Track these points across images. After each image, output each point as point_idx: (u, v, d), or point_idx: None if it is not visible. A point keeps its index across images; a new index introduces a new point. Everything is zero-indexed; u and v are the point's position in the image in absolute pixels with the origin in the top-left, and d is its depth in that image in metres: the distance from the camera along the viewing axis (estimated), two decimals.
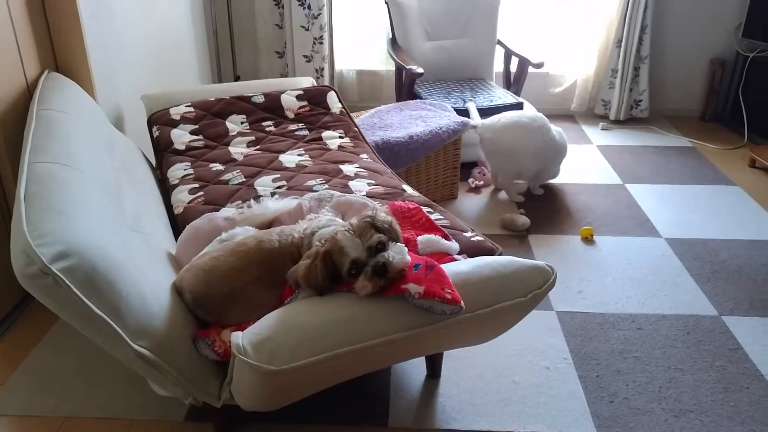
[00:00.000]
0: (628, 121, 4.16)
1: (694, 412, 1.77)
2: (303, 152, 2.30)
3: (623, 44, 3.94)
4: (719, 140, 3.86)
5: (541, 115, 2.97)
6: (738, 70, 3.97)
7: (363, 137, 2.49)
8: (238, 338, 1.23)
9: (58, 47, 2.25)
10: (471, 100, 3.38)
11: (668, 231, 2.76)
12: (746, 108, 3.88)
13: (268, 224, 1.72)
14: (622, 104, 4.07)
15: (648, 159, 3.57)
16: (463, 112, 3.18)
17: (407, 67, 3.29)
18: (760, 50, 3.79)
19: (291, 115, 2.53)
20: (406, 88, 3.45)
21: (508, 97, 3.41)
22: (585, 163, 3.50)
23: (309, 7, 3.86)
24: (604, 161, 3.54)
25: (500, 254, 1.71)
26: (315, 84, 2.78)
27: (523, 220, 2.76)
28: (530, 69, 3.59)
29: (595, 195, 3.11)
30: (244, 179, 2.09)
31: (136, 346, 1.25)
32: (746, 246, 2.64)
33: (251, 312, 1.38)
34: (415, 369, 1.92)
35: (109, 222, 1.45)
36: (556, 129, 3.01)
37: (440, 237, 1.65)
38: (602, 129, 4.04)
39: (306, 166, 2.19)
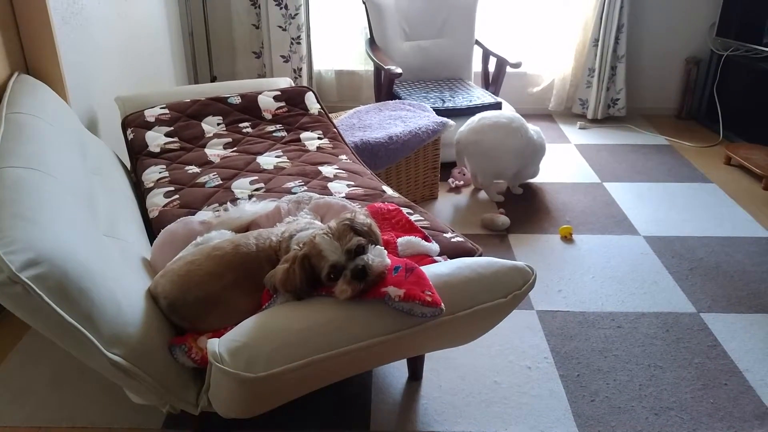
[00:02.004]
0: (606, 119, 4.19)
1: (675, 410, 1.78)
2: (281, 154, 2.27)
3: (600, 44, 3.97)
4: (695, 138, 3.91)
5: (518, 115, 2.98)
6: (712, 69, 4.02)
7: (342, 138, 2.48)
8: (215, 345, 1.20)
9: (29, 49, 2.19)
10: (450, 100, 3.38)
11: (646, 229, 2.78)
12: (721, 106, 3.94)
13: (246, 227, 1.70)
14: (599, 103, 4.11)
15: (625, 157, 3.60)
16: (443, 112, 3.18)
17: (386, 67, 3.28)
18: (733, 49, 3.84)
19: (268, 116, 2.51)
20: (385, 88, 3.44)
21: (487, 97, 3.41)
22: (563, 162, 3.52)
23: (286, 7, 3.83)
24: (582, 160, 3.56)
25: (480, 255, 1.70)
26: (293, 84, 2.76)
27: (503, 219, 2.76)
28: (508, 69, 3.60)
29: (573, 194, 3.13)
30: (221, 182, 2.06)
31: (110, 355, 1.22)
32: (723, 243, 2.67)
33: (228, 318, 1.36)
34: (396, 371, 1.91)
35: (82, 228, 1.42)
36: (534, 128, 3.02)
37: (420, 238, 1.64)
38: (580, 128, 4.07)
39: (284, 168, 2.16)
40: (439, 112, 3.17)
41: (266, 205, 1.78)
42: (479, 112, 3.05)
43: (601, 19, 3.91)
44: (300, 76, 4.00)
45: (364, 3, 3.61)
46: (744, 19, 3.74)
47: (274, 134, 2.41)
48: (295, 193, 1.94)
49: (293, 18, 3.85)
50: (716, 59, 3.97)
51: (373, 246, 1.34)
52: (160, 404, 1.36)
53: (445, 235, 1.77)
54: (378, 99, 3.65)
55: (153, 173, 2.12)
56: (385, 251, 1.36)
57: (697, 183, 3.27)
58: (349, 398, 1.80)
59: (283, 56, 3.96)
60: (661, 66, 4.21)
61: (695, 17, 4.06)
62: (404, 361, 1.90)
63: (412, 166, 2.90)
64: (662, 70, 4.22)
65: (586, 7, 4.00)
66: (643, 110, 4.34)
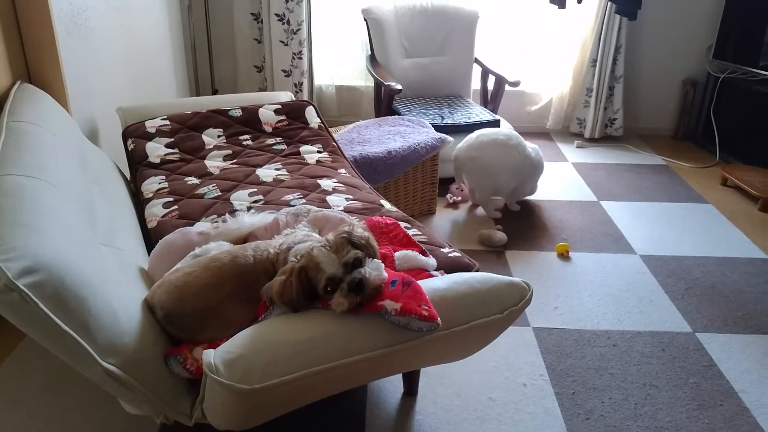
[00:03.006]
0: (603, 139, 4.21)
1: (670, 430, 1.78)
2: (280, 166, 2.28)
3: (598, 64, 4.00)
4: (692, 159, 3.93)
5: (516, 132, 3.00)
6: (709, 91, 4.05)
7: (341, 152, 2.49)
8: (210, 356, 1.20)
9: (31, 58, 2.21)
10: (449, 116, 3.40)
11: (643, 248, 2.79)
12: (717, 128, 3.97)
13: (244, 239, 1.70)
14: (596, 123, 4.13)
15: (622, 176, 3.62)
16: (441, 129, 3.20)
17: (386, 83, 3.31)
18: (730, 71, 3.88)
19: (268, 129, 2.52)
20: (384, 104, 3.46)
21: (485, 115, 3.44)
22: (560, 181, 3.53)
23: (288, 22, 3.86)
24: (579, 178, 3.57)
25: (477, 270, 1.71)
26: (293, 98, 2.77)
27: (500, 236, 2.77)
28: (507, 87, 3.63)
29: (570, 212, 3.14)
30: (220, 193, 2.07)
31: (105, 364, 1.22)
32: (719, 263, 2.68)
33: (224, 329, 1.35)
34: (391, 386, 1.90)
35: (80, 237, 1.42)
36: (532, 146, 3.04)
37: (417, 253, 1.64)
38: (577, 147, 4.09)
39: (283, 181, 2.17)
40: (438, 128, 3.18)
41: (264, 217, 1.78)
42: (478, 129, 3.07)
43: (600, 39, 3.95)
44: (301, 91, 4.03)
45: (365, 20, 3.65)
46: (741, 42, 3.78)
47: (273, 147, 2.43)
48: (293, 206, 1.95)
49: (295, 33, 3.89)
50: (713, 81, 4.00)
51: (371, 259, 1.35)
52: (154, 415, 1.36)
53: (442, 249, 1.78)
54: (378, 114, 3.67)
55: (152, 184, 2.13)
56: (383, 265, 1.36)
57: (694, 203, 3.29)
58: (343, 413, 1.80)
59: (284, 71, 3.99)
60: (659, 87, 4.24)
61: (692, 39, 4.10)
62: (399, 376, 1.90)
63: (410, 181, 2.91)
64: (659, 91, 4.26)
65: (584, 28, 4.04)
66: (640, 130, 4.37)
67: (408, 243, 1.71)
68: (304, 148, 2.43)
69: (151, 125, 2.39)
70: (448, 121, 3.34)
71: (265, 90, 4.12)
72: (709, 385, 1.96)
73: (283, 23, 3.87)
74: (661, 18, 4.05)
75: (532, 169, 3.02)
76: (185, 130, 2.41)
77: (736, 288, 2.49)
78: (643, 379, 1.97)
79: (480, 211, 3.13)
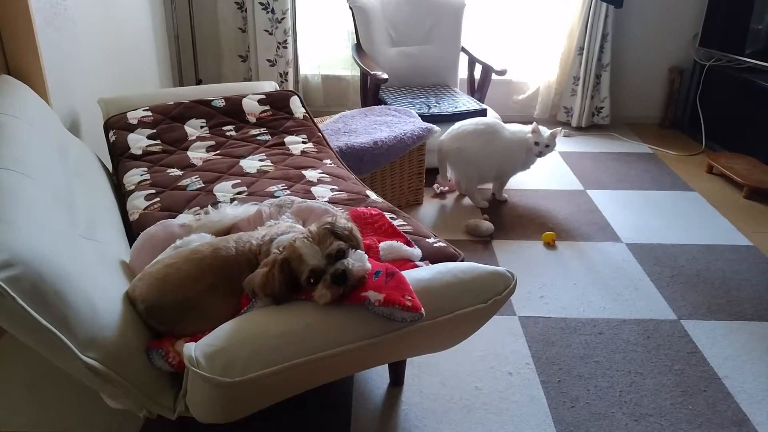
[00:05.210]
0: (590, 127, 4.22)
1: (654, 416, 1.79)
2: (265, 157, 2.26)
3: (585, 52, 4.00)
4: (678, 147, 3.95)
5: (493, 120, 2.99)
6: (695, 79, 4.06)
7: (327, 142, 2.47)
8: (191, 349, 1.19)
9: (10, 50, 2.17)
10: (436, 106, 3.39)
11: (629, 236, 2.80)
12: (703, 115, 3.98)
13: (226, 231, 1.68)
14: (583, 111, 4.14)
15: (609, 165, 3.63)
16: (428, 118, 3.19)
17: (372, 72, 3.29)
18: (716, 59, 3.89)
19: (252, 120, 2.49)
20: (371, 93, 3.44)
21: (472, 104, 3.43)
22: (547, 170, 3.53)
23: (272, 11, 3.82)
24: (566, 167, 3.58)
25: (462, 260, 1.70)
26: (278, 88, 2.75)
27: (487, 225, 2.77)
28: (494, 76, 3.62)
29: (557, 201, 3.14)
30: (203, 185, 2.05)
31: (85, 358, 1.21)
32: (704, 251, 2.69)
33: (206, 322, 1.34)
34: (377, 377, 1.90)
35: (59, 230, 1.40)
36: (514, 129, 2.97)
37: (402, 243, 1.64)
38: (564, 136, 4.09)
39: (267, 172, 2.15)
40: (425, 117, 3.17)
41: (248, 209, 1.77)
42: (465, 118, 3.06)
43: (586, 27, 3.95)
44: (286, 80, 3.99)
45: (351, 8, 3.61)
46: (727, 30, 3.79)
47: (257, 138, 2.40)
48: (277, 197, 1.93)
49: (280, 22, 3.85)
50: (699, 69, 4.01)
51: (354, 250, 1.34)
52: (137, 409, 1.34)
53: (427, 240, 1.77)
54: (364, 104, 3.65)
55: (134, 176, 2.11)
56: (366, 256, 1.36)
57: (679, 191, 3.30)
58: (329, 403, 1.79)
59: (269, 60, 3.95)
60: (645, 75, 4.25)
61: (679, 27, 4.11)
62: (386, 366, 1.90)
63: (397, 172, 2.90)
64: (646, 80, 4.26)
65: (571, 16, 4.03)
66: (627, 119, 4.37)
67: (393, 233, 1.70)
68: (288, 139, 2.41)
69: (133, 116, 2.36)
70: (435, 110, 3.33)
71: (250, 80, 4.08)
72: (693, 371, 1.97)
73: (268, 12, 3.83)
74: (648, 6, 4.05)
75: (510, 153, 2.96)
76: (167, 121, 2.38)
77: (721, 275, 2.51)
78: (628, 367, 1.98)
79: (467, 201, 3.12)
